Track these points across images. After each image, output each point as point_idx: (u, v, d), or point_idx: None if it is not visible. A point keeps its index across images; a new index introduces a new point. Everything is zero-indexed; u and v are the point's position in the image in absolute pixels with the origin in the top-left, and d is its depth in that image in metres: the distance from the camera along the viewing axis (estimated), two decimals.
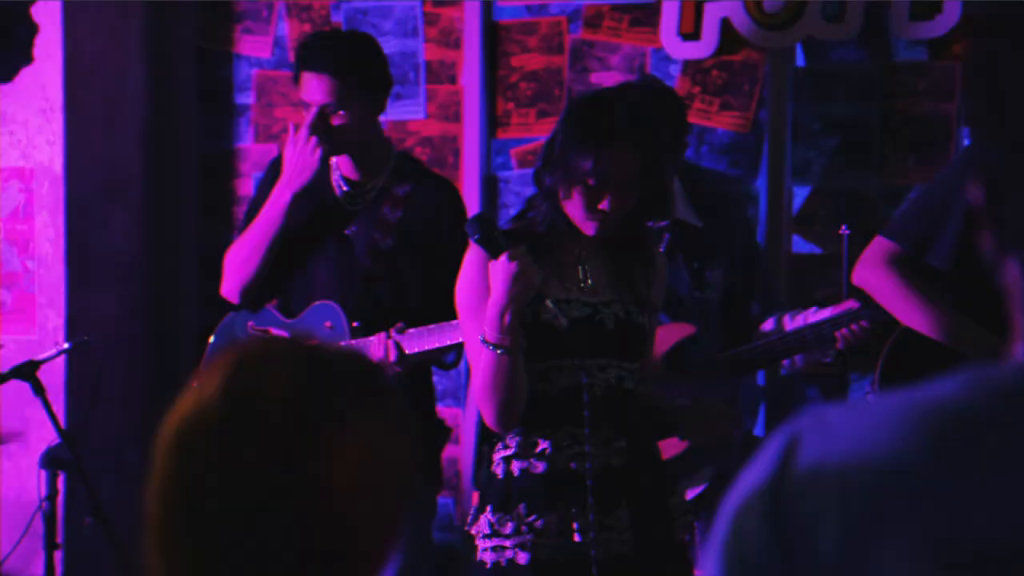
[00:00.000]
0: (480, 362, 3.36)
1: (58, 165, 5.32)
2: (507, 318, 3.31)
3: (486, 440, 3.53)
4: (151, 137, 5.54)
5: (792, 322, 4.42)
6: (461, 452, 5.31)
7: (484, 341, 3.33)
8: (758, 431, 4.88)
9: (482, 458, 3.53)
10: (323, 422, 1.49)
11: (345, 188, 4.37)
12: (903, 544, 1.16)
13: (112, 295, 5.31)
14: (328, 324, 4.30)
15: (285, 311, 4.42)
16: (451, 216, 4.32)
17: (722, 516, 1.24)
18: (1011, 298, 1.24)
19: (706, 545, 1.25)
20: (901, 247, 3.78)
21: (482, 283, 3.41)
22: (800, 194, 5.01)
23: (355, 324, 4.25)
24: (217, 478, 1.49)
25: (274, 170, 4.45)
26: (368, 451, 1.50)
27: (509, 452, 3.46)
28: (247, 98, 5.54)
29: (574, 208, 3.42)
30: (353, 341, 4.20)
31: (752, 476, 1.23)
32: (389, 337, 4.08)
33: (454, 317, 3.71)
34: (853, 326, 4.09)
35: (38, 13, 5.22)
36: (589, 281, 3.50)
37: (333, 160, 4.38)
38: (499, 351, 3.32)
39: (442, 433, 4.43)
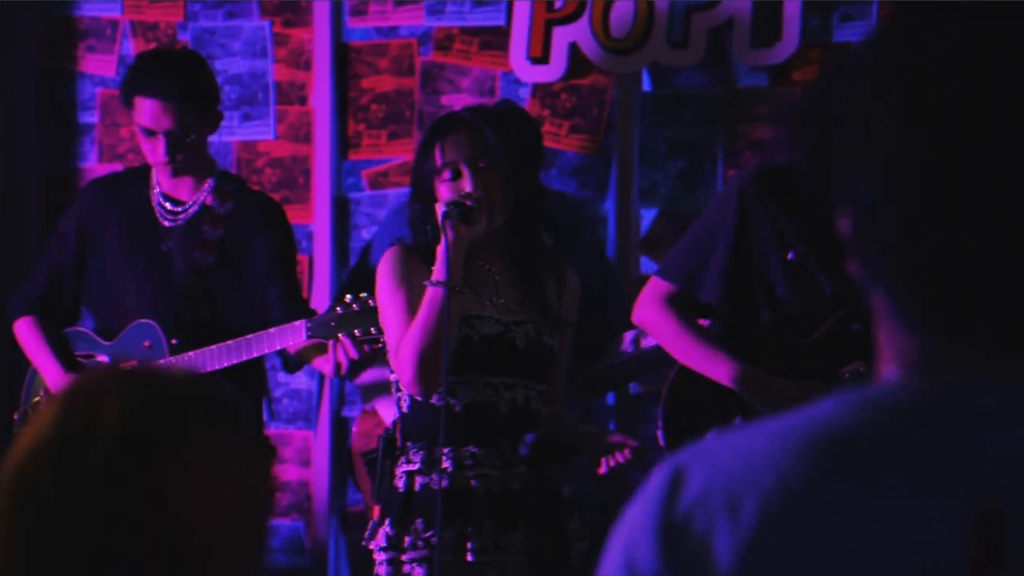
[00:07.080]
0: (424, 305, 3.41)
1: None
2: (458, 259, 3.40)
3: (388, 454, 3.54)
4: None
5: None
6: (313, 475, 5.27)
7: (432, 283, 3.39)
8: None
9: (384, 472, 3.53)
10: (161, 448, 1.44)
11: (166, 204, 4.34)
12: (794, 553, 1.19)
13: None
14: (147, 343, 4.24)
15: (102, 333, 4.35)
16: (273, 234, 4.33)
17: (612, 550, 1.25)
18: (878, 324, 1.27)
19: None
20: (674, 285, 3.81)
21: (398, 272, 3.49)
22: (648, 216, 5.10)
23: (174, 341, 4.21)
24: (55, 517, 1.43)
25: (86, 197, 4.44)
26: (214, 473, 1.46)
27: (413, 467, 3.49)
28: (91, 117, 5.42)
29: None
30: (172, 358, 4.17)
31: (639, 509, 1.24)
32: None
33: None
34: None
35: None
36: (501, 300, 3.55)
37: (153, 176, 4.35)
38: (442, 287, 3.38)
39: (266, 453, 4.39)
